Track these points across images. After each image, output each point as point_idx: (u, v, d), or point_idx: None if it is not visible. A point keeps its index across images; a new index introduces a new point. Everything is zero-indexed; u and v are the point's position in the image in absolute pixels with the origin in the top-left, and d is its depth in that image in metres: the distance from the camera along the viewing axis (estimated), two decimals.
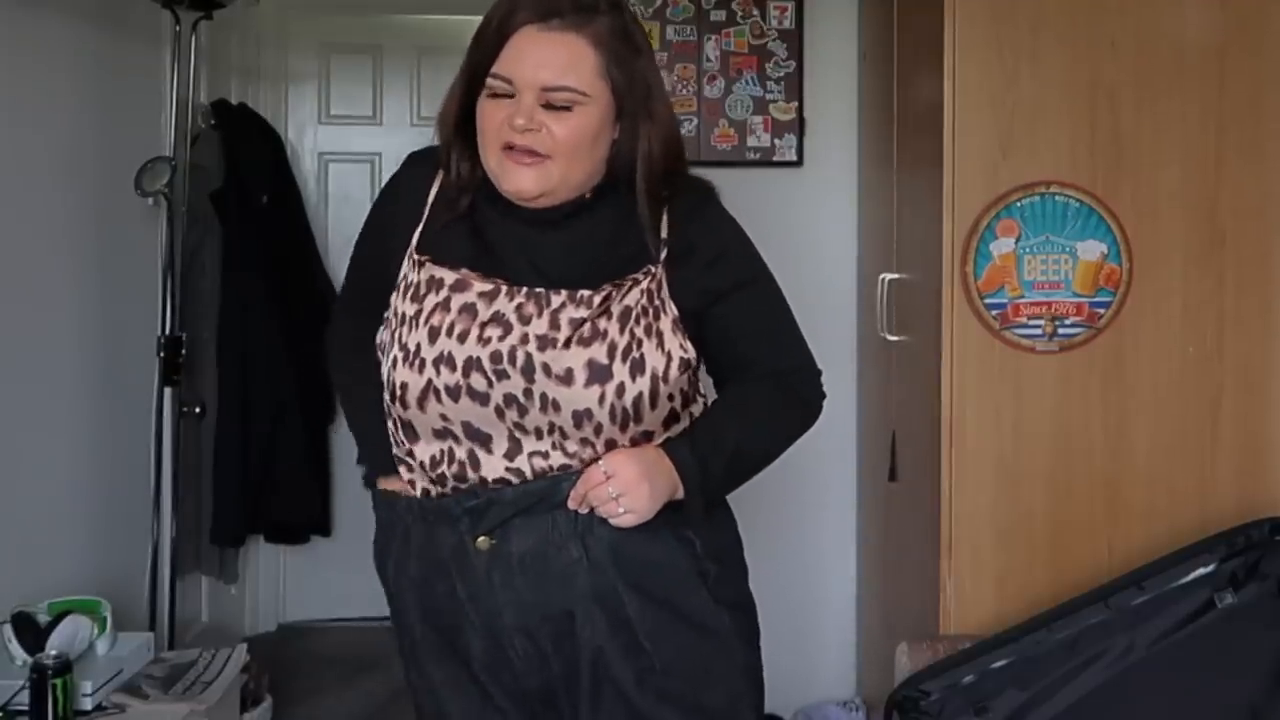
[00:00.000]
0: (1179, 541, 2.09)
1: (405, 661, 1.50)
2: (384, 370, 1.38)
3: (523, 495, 1.34)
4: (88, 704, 2.16)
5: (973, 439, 2.20)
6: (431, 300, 1.36)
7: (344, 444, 3.95)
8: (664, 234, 1.37)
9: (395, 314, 1.39)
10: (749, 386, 1.42)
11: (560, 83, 1.30)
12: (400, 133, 4.10)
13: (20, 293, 2.52)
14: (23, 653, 2.14)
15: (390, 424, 1.40)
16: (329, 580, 4.03)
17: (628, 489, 1.30)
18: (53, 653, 2.09)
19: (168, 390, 3.06)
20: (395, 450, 1.42)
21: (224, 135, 3.55)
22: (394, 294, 1.41)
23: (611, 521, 1.32)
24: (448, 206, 1.41)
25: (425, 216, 1.42)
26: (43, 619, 2.20)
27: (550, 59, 1.30)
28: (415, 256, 1.40)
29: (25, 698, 2.06)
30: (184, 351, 3.06)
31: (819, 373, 1.49)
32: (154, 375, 3.07)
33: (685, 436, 1.37)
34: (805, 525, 3.20)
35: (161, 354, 3.04)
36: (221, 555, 3.61)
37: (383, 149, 4.10)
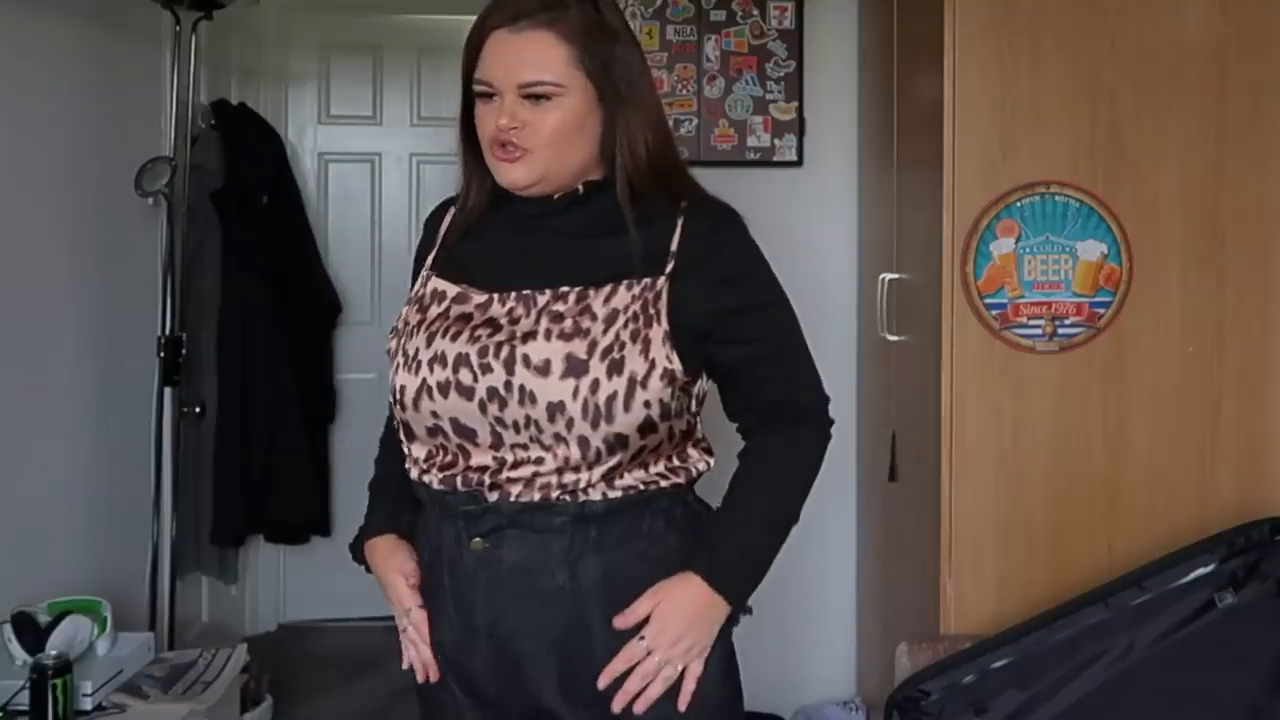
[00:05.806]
0: (1179, 541, 2.09)
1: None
2: (390, 376, 1.42)
3: (520, 512, 1.36)
4: (88, 704, 2.16)
5: (973, 439, 2.20)
6: (434, 310, 1.43)
7: (344, 444, 3.97)
8: (674, 247, 1.39)
9: (402, 321, 1.46)
10: (756, 467, 1.47)
11: (534, 78, 1.35)
12: (400, 133, 4.09)
13: (20, 293, 2.52)
14: (23, 653, 2.14)
15: (397, 427, 1.46)
16: (329, 580, 4.02)
17: (672, 656, 1.36)
18: (53, 653, 2.09)
19: (168, 390, 3.06)
20: (403, 450, 1.46)
21: (224, 135, 3.56)
22: (406, 305, 1.48)
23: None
24: (462, 226, 1.49)
25: (439, 242, 1.50)
26: (43, 619, 2.20)
27: (521, 57, 1.35)
28: (425, 273, 1.49)
29: (25, 698, 2.07)
30: (184, 351, 3.07)
31: (827, 400, 1.49)
32: (154, 375, 3.07)
33: (711, 555, 1.41)
34: (805, 525, 3.17)
35: (161, 354, 3.04)
36: (221, 555, 3.61)
37: (383, 149, 4.09)
